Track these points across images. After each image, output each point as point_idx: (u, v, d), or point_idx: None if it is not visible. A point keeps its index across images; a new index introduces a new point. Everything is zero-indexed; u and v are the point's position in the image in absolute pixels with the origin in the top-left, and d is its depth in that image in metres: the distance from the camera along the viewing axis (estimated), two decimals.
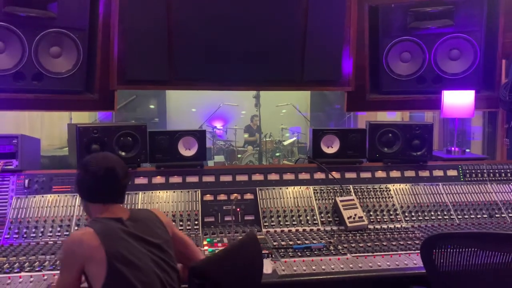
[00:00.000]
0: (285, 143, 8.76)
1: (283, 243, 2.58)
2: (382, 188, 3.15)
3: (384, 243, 2.58)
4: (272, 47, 3.57)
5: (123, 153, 3.04)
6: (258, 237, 2.37)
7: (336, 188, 3.12)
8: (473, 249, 1.74)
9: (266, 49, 3.57)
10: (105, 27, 3.37)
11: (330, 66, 3.67)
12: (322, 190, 3.10)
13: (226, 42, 3.52)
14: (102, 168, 1.87)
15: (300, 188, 3.10)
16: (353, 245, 2.57)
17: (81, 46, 3.24)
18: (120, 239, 1.80)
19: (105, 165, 1.88)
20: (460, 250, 1.76)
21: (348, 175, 3.21)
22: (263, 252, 2.24)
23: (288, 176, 3.15)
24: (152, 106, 9.57)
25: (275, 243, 2.57)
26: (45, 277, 2.15)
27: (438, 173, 3.27)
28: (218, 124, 9.43)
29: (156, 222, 1.99)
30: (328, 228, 2.88)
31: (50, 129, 7.13)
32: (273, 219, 2.91)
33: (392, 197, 3.11)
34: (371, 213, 3.00)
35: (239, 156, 8.22)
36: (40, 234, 2.66)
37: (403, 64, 3.68)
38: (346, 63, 3.73)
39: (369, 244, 2.57)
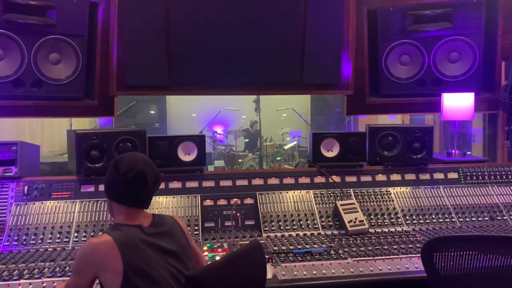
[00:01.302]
0: (286, 147, 8.75)
1: (283, 247, 2.57)
2: (382, 192, 3.16)
3: (385, 247, 2.58)
4: (272, 51, 3.58)
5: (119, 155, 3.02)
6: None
7: (336, 192, 3.12)
8: (474, 252, 1.73)
9: (265, 53, 3.58)
10: (104, 33, 3.38)
11: (330, 69, 3.67)
12: (323, 194, 3.11)
13: (225, 47, 3.53)
14: (132, 171, 1.79)
15: (300, 192, 3.10)
16: (354, 249, 2.56)
17: (80, 53, 3.25)
18: (138, 249, 1.75)
19: (135, 168, 1.80)
20: (462, 253, 1.76)
21: (349, 178, 3.21)
22: None
23: (288, 180, 3.16)
24: (152, 112, 9.59)
25: (275, 248, 2.57)
26: (44, 284, 2.14)
27: (438, 176, 3.27)
28: (219, 129, 9.43)
29: (178, 230, 1.95)
30: (328, 232, 2.88)
31: (51, 135, 7.13)
32: (273, 223, 2.91)
33: (392, 200, 3.11)
34: (371, 216, 3.00)
35: (239, 160, 8.23)
36: (40, 241, 2.65)
37: (403, 67, 3.68)
38: (346, 66, 3.73)
39: (370, 248, 2.56)
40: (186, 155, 3.18)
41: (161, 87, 3.54)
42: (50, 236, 2.69)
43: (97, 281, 1.76)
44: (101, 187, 2.94)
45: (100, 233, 2.73)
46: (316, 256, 2.44)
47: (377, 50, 3.68)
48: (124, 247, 1.72)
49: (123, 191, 1.83)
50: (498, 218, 3.02)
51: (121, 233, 1.77)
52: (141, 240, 1.78)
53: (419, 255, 2.11)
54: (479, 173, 3.29)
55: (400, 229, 2.93)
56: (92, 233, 2.73)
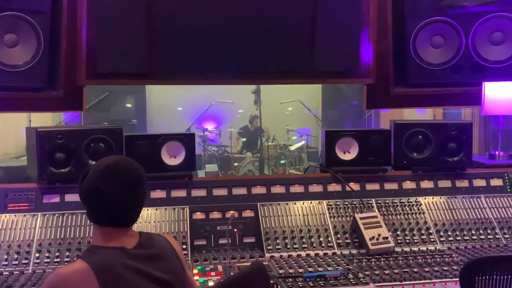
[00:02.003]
0: (292, 148, 8.76)
1: (291, 271, 2.57)
2: (411, 202, 3.16)
3: (415, 270, 2.58)
4: (275, 32, 3.57)
5: (93, 163, 2.99)
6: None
7: (355, 202, 3.12)
8: None
9: (267, 35, 3.57)
10: (71, 9, 3.36)
11: (346, 53, 3.67)
12: (338, 205, 3.11)
13: (218, 26, 3.51)
14: (116, 183, 1.80)
15: (311, 203, 3.11)
16: (376, 272, 2.56)
17: (42, 33, 3.23)
18: (121, 277, 1.73)
19: (122, 178, 1.81)
20: (509, 276, 1.76)
21: (370, 186, 3.22)
22: None
23: (296, 189, 3.16)
24: (129, 105, 9.58)
25: (281, 271, 2.57)
26: None
27: (479, 183, 3.29)
28: (210, 126, 9.42)
29: (171, 253, 1.94)
30: (345, 252, 2.88)
31: (4, 134, 7.11)
32: (278, 241, 2.91)
33: (423, 212, 3.12)
34: (398, 232, 3.01)
35: (235, 164, 8.23)
36: None
37: (435, 51, 3.67)
38: (365, 49, 3.72)
39: (396, 271, 2.56)
40: (172, 158, 3.17)
41: (140, 75, 3.54)
42: (5, 257, 2.67)
43: None
44: (68, 197, 2.95)
45: (67, 253, 2.73)
46: (330, 281, 2.43)
47: (403, 30, 3.67)
48: (103, 275, 1.69)
49: (104, 209, 1.82)
50: None
51: (99, 258, 1.75)
52: (124, 265, 1.76)
53: (457, 279, 2.11)
54: None
55: (432, 248, 2.93)
56: (57, 253, 2.73)
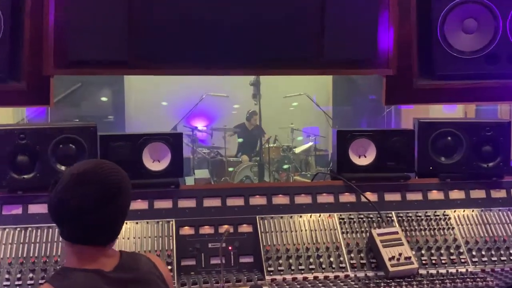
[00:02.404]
0: (297, 150, 8.84)
1: None
2: (438, 216, 3.15)
3: None
4: (278, 13, 3.55)
5: (62, 168, 3.00)
6: None
7: (371, 216, 3.12)
8: None
9: (269, 16, 3.54)
10: None
11: (361, 39, 3.64)
12: (352, 219, 3.10)
13: (211, 7, 3.49)
14: (88, 194, 1.79)
15: (319, 216, 3.10)
16: None
17: (2, 14, 3.19)
18: None
19: (95, 188, 1.81)
20: None
21: (389, 197, 3.22)
22: None
23: (302, 199, 3.16)
24: (104, 99, 9.62)
25: None
26: None
27: None
28: (200, 124, 9.44)
29: (156, 277, 1.95)
30: (360, 275, 2.87)
31: None
32: (281, 261, 2.89)
33: (452, 228, 3.11)
34: (422, 251, 2.99)
35: (230, 169, 8.27)
36: None
37: (467, 36, 3.62)
38: (384, 35, 3.70)
39: None
40: (155, 162, 3.17)
41: (118, 64, 3.50)
42: None
43: None
44: (32, 208, 2.95)
45: (31, 274, 2.71)
46: None
47: (429, 12, 3.63)
48: None
49: (69, 223, 1.83)
50: None
51: (70, 282, 1.76)
52: None
53: None
54: None
55: (463, 270, 2.92)
56: (18, 275, 2.69)
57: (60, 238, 2.68)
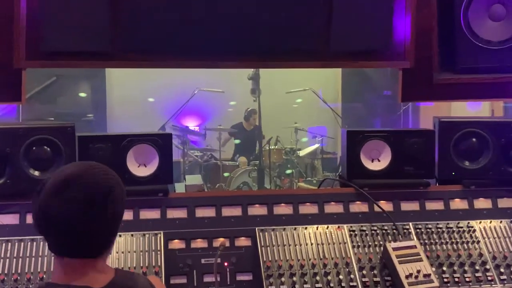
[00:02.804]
0: (302, 153, 8.85)
1: None
2: (461, 228, 3.15)
3: None
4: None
5: (36, 173, 3.02)
6: None
7: (386, 227, 3.12)
8: None
9: (272, 2, 3.55)
10: None
11: (373, 27, 3.65)
12: (364, 231, 3.10)
13: None
14: (71, 202, 1.81)
15: (327, 228, 3.11)
16: None
17: None
18: None
19: (79, 195, 1.83)
20: None
21: (406, 206, 3.23)
22: None
23: (307, 209, 3.17)
24: (83, 95, 9.64)
25: None
26: None
27: None
28: (192, 124, 9.45)
29: None
30: None
31: None
32: (283, 279, 2.89)
33: (478, 241, 3.11)
34: (444, 268, 2.99)
35: (226, 174, 8.28)
36: None
37: (494, 24, 3.63)
38: (400, 22, 3.71)
39: None
40: (141, 166, 3.18)
41: (100, 55, 3.50)
42: None
43: None
44: (3, 219, 2.95)
45: None
46: None
47: None
48: None
49: (54, 234, 1.86)
50: None
51: None
52: None
53: None
54: None
55: None
56: None
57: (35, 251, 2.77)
